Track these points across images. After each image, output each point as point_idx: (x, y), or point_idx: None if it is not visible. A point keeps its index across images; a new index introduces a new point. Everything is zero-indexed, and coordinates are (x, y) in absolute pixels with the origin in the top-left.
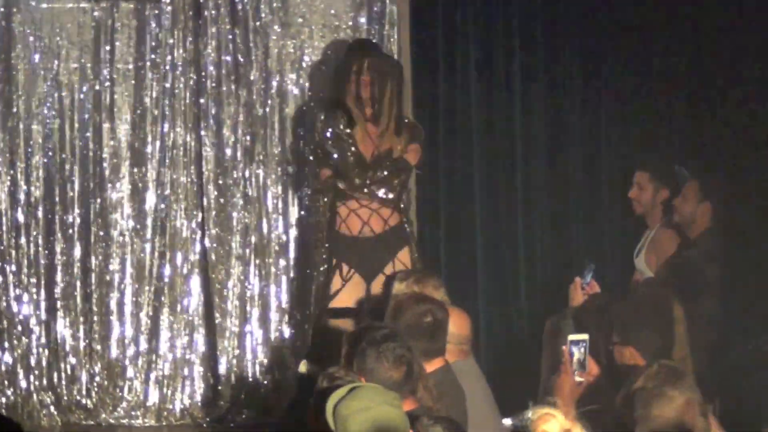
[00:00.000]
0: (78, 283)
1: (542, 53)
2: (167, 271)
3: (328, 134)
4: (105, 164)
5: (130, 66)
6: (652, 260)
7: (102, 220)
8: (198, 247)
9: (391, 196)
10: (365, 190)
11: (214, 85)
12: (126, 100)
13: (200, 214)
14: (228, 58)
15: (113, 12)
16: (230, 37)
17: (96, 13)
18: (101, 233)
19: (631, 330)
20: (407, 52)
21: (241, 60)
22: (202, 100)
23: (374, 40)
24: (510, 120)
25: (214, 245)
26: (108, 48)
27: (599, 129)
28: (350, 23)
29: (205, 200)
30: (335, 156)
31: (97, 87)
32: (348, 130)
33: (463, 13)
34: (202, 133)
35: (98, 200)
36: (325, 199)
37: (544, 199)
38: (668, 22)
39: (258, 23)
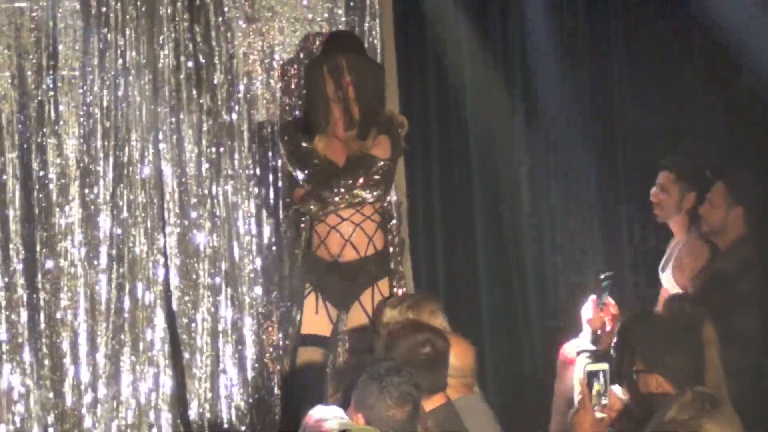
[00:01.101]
0: (24, 323)
1: (544, 38)
2: (127, 304)
3: (285, 152)
4: (51, 186)
5: (76, 72)
6: (679, 274)
7: (50, 249)
8: (161, 276)
9: (375, 193)
10: (343, 200)
11: (172, 91)
12: (73, 112)
13: (162, 239)
14: (187, 60)
15: (55, 11)
16: (189, 35)
17: (35, 14)
18: (49, 265)
19: (657, 354)
20: (391, 47)
21: (203, 61)
22: (159, 109)
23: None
24: (510, 118)
25: (179, 274)
26: (50, 53)
27: (613, 119)
28: (326, 15)
29: (167, 223)
30: (300, 175)
31: (39, 98)
32: (304, 144)
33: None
34: (161, 146)
35: (45, 227)
36: (304, 218)
37: (552, 205)
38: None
39: (221, 19)
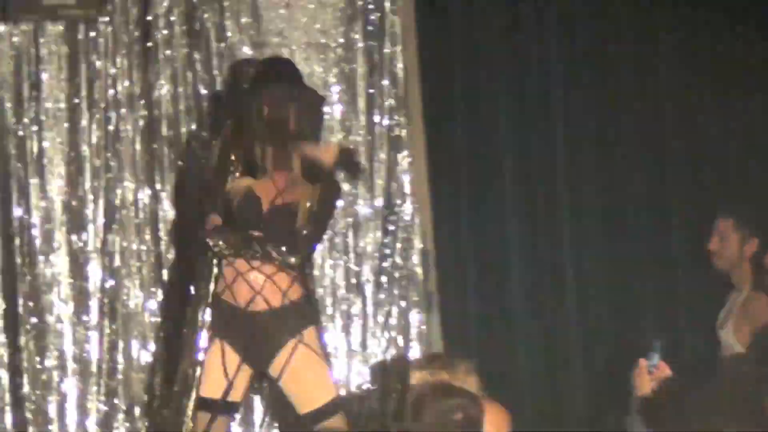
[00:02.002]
0: (6, 386)
1: (584, 64)
2: (120, 365)
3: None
4: (34, 231)
5: (62, 105)
6: (741, 331)
7: (33, 303)
8: (159, 334)
9: (293, 260)
10: (256, 256)
11: (170, 124)
12: (58, 149)
13: (160, 292)
14: (186, 90)
15: (37, 37)
16: (188, 62)
17: (15, 39)
18: (32, 320)
19: (716, 424)
20: (415, 77)
21: (203, 92)
22: (155, 145)
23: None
24: (551, 154)
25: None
26: (32, 82)
27: (664, 147)
28: (341, 40)
29: (165, 273)
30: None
31: (20, 133)
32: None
33: (485, 22)
34: (158, 186)
35: (27, 278)
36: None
37: (596, 252)
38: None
39: (223, 44)
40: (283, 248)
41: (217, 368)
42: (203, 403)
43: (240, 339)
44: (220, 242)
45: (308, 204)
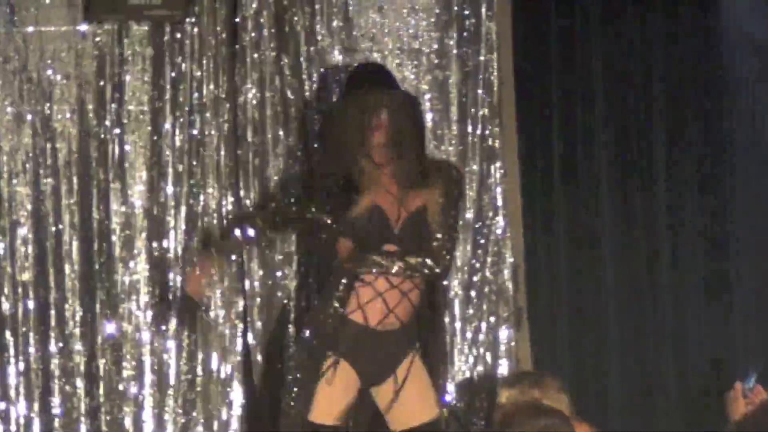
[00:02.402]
0: (81, 395)
1: (686, 68)
2: (200, 376)
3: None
4: (114, 237)
5: (145, 107)
6: None
7: (111, 311)
8: (239, 345)
9: (437, 269)
10: (400, 271)
11: (256, 130)
12: (140, 153)
13: (241, 302)
14: (274, 95)
15: (122, 37)
16: (276, 66)
17: (98, 38)
18: (110, 329)
19: None
20: (510, 85)
21: (291, 97)
22: (240, 152)
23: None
24: (650, 166)
25: (261, 342)
26: (115, 84)
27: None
28: (435, 47)
29: (247, 283)
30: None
31: (101, 136)
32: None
33: (582, 29)
34: (242, 194)
35: (106, 285)
36: (344, 281)
37: (695, 266)
38: None
39: (313, 48)
40: (428, 260)
41: (332, 391)
42: (312, 429)
43: (361, 359)
44: (365, 267)
45: (435, 205)
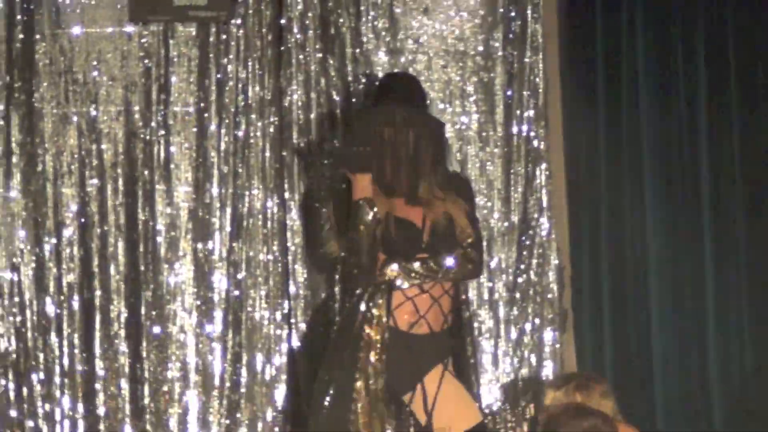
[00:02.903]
0: (126, 396)
1: (731, 65)
2: (244, 378)
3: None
4: (159, 239)
5: (191, 109)
6: None
7: (156, 312)
8: (284, 347)
9: (469, 266)
10: (423, 268)
11: (301, 132)
12: (185, 154)
13: (286, 303)
14: (319, 96)
15: (167, 38)
16: (322, 68)
17: (144, 40)
18: (155, 329)
19: None
20: (556, 86)
21: (337, 99)
22: (285, 153)
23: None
24: (697, 169)
25: (305, 344)
26: (161, 85)
27: None
28: (480, 49)
29: (292, 285)
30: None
31: (147, 137)
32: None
33: (629, 31)
34: (287, 195)
35: (151, 286)
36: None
37: (739, 268)
38: None
39: (358, 50)
40: (457, 262)
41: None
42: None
43: (391, 363)
44: (401, 273)
45: (458, 212)
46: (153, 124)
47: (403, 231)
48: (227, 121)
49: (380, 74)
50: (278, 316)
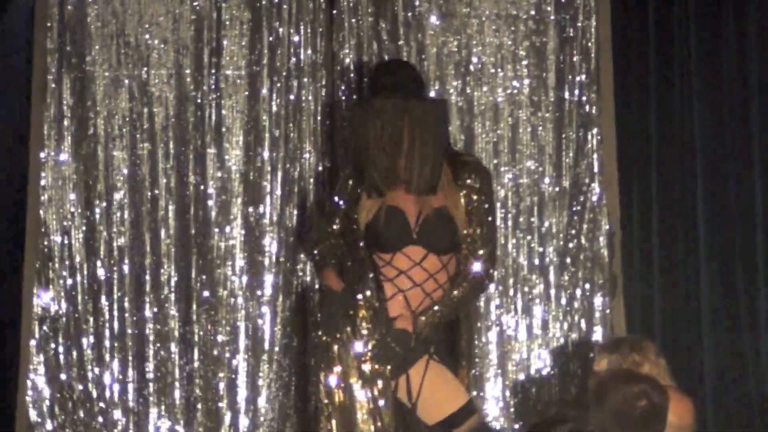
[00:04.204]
0: (176, 360)
1: None
2: (294, 342)
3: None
4: (210, 202)
5: (243, 72)
6: None
7: (207, 276)
8: None
9: (476, 266)
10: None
11: (352, 95)
12: (237, 118)
13: None
14: (371, 59)
15: (219, 1)
16: (374, 32)
17: (196, 3)
18: (206, 294)
19: None
20: (608, 51)
21: None
22: (337, 116)
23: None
24: (746, 136)
25: None
26: (212, 49)
27: None
28: (532, 13)
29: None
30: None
31: (199, 100)
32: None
33: None
34: (338, 159)
35: (202, 250)
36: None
37: None
38: None
39: (411, 14)
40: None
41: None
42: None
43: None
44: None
45: (460, 203)
46: (204, 87)
47: (393, 221)
48: (279, 84)
49: (432, 37)
50: None
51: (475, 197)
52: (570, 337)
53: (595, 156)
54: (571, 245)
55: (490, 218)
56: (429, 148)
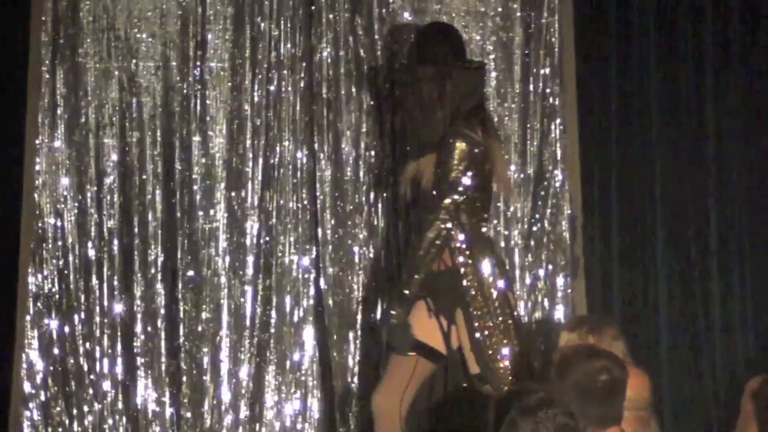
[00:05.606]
0: (162, 335)
1: (739, 34)
2: (273, 319)
3: None
4: (195, 187)
5: (226, 64)
6: None
7: (191, 256)
8: (312, 290)
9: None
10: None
11: (330, 87)
12: (221, 108)
13: (314, 249)
14: (347, 53)
15: None
16: (350, 27)
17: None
18: (190, 273)
19: None
20: (570, 46)
21: (364, 56)
22: (315, 107)
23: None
24: (699, 126)
25: (333, 288)
26: (197, 42)
27: None
28: (499, 9)
29: (320, 231)
30: None
31: (184, 91)
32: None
33: None
34: (316, 147)
35: (187, 232)
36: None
37: (743, 223)
38: None
39: (385, 10)
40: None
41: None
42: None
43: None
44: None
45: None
46: (190, 78)
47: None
48: (260, 76)
49: (404, 33)
50: (306, 261)
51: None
52: (534, 315)
53: (558, 145)
54: (535, 229)
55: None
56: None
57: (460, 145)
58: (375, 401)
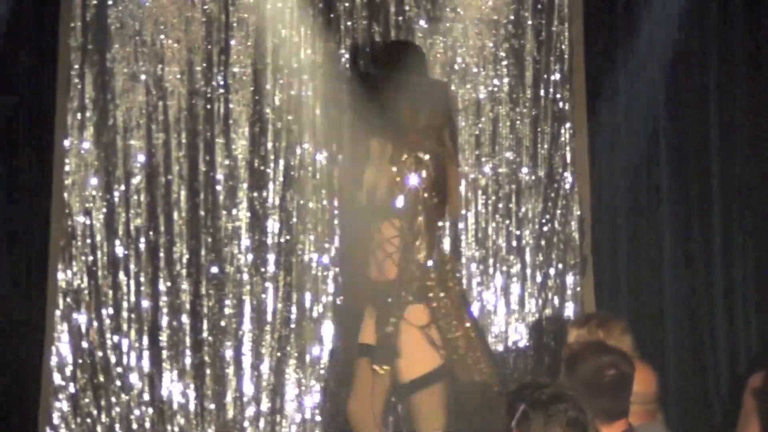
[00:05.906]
0: (187, 330)
1: (745, 44)
2: (294, 315)
3: None
4: (218, 187)
5: (248, 69)
6: None
7: (215, 254)
8: (331, 287)
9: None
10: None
11: (347, 92)
12: (243, 111)
13: (333, 248)
14: (365, 59)
15: (228, 5)
16: (367, 34)
17: (206, 7)
18: (214, 270)
19: None
20: (580, 54)
21: None
22: (333, 111)
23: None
24: (705, 130)
25: (350, 285)
26: (221, 48)
27: None
28: (511, 17)
29: (338, 230)
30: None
31: (208, 95)
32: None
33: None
34: (334, 149)
35: (210, 230)
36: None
37: (746, 223)
38: None
39: (401, 18)
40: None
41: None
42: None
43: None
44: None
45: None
46: (213, 83)
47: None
48: (281, 81)
49: (420, 39)
50: (325, 258)
51: None
52: (544, 312)
53: (568, 148)
54: (545, 229)
55: None
56: (427, 127)
57: (417, 158)
58: (348, 410)
